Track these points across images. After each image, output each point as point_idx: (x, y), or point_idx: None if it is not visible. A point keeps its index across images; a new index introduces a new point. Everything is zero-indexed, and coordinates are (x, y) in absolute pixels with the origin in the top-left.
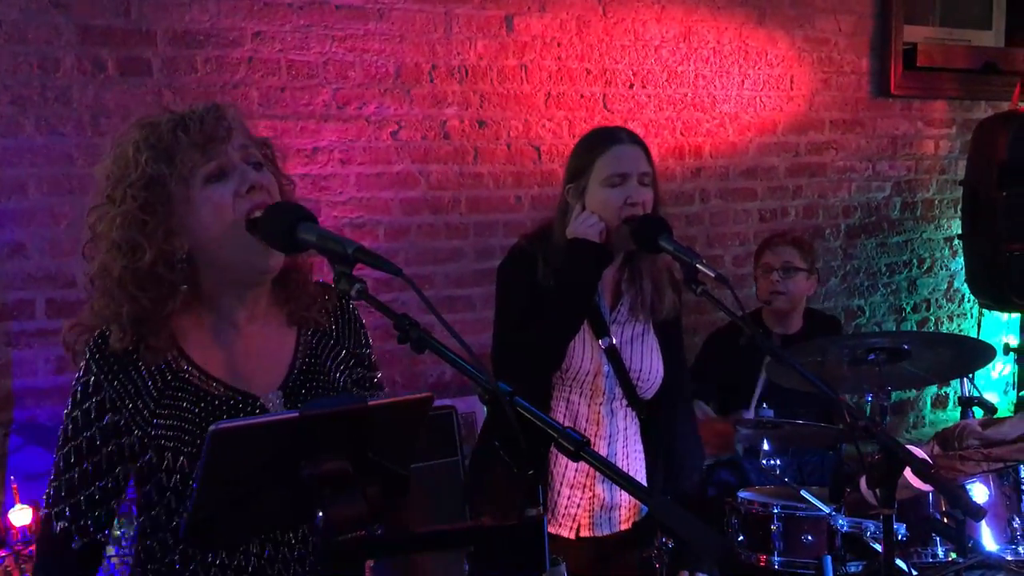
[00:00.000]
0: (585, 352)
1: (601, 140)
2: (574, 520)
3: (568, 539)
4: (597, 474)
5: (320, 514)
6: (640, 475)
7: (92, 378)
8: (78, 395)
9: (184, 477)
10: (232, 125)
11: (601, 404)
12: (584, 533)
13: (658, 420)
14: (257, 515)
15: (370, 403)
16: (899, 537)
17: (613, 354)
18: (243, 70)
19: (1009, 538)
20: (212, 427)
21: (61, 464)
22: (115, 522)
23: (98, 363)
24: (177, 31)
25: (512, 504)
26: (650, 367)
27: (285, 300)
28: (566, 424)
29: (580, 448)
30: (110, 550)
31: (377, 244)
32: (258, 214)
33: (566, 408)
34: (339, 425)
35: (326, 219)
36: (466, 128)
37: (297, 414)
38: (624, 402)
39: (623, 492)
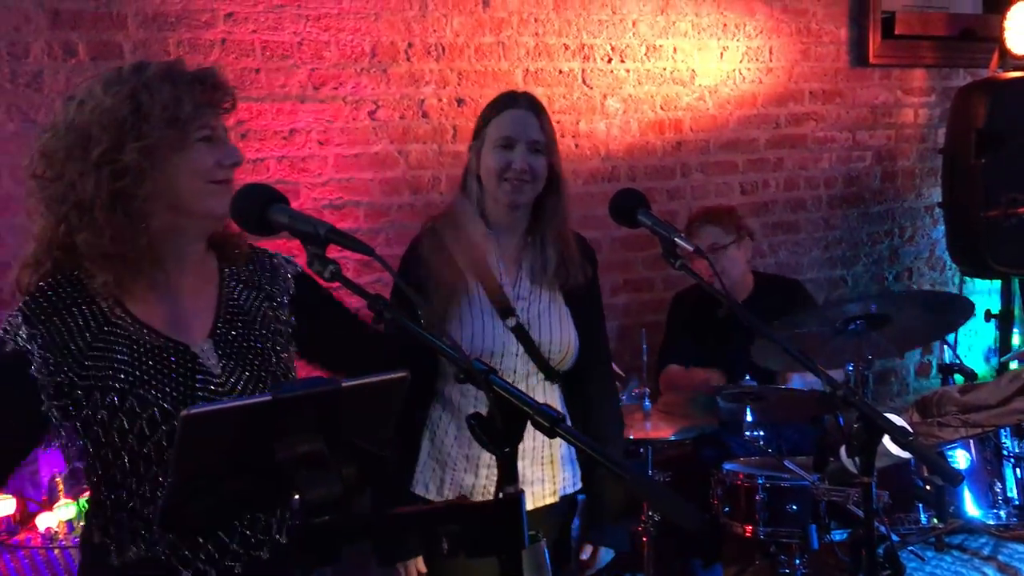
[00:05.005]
0: (494, 331)
1: (499, 103)
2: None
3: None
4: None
5: (296, 497)
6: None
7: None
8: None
9: (122, 426)
10: (234, 98)
11: (515, 383)
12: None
13: (579, 389)
14: (231, 499)
15: (344, 384)
16: (882, 504)
17: (521, 333)
18: (216, 52)
19: (991, 503)
20: (184, 412)
21: None
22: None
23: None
24: (148, 14)
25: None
26: (560, 338)
27: (215, 256)
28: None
29: (556, 424)
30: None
31: (357, 225)
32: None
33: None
34: (312, 407)
35: (305, 201)
36: (444, 107)
37: (270, 397)
38: (540, 376)
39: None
